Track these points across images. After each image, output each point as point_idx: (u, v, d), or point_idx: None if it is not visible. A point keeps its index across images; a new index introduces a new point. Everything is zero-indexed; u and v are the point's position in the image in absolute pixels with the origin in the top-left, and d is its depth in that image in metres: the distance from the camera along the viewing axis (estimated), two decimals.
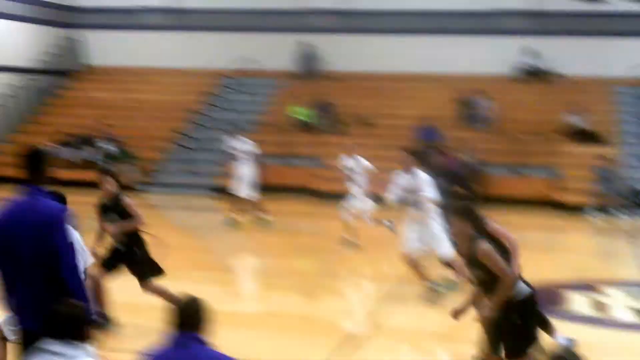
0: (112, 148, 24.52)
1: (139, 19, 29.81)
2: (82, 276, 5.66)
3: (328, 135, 24.68)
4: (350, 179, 16.01)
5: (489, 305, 6.92)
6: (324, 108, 25.88)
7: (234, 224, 18.35)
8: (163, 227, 19.00)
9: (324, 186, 22.47)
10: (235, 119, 25.59)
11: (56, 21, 29.40)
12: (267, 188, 19.81)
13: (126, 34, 29.76)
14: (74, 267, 5.53)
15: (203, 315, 5.28)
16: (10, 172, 24.58)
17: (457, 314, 7.35)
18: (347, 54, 27.78)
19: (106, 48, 29.91)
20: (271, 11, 28.82)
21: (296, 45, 28.00)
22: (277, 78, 27.96)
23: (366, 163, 16.03)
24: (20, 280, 5.47)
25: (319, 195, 22.63)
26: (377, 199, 14.88)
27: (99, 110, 27.16)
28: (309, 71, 28.13)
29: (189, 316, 5.23)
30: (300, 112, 25.87)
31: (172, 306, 5.28)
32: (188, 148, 25.67)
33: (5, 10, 26.71)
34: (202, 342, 5.22)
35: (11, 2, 27.05)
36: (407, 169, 11.85)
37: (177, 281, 13.32)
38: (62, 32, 29.65)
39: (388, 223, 12.80)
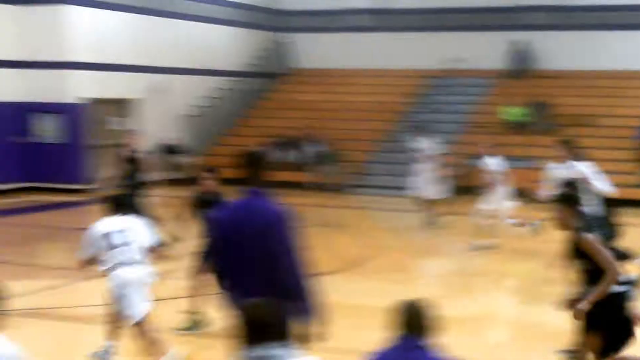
0: (318, 150, 24.31)
1: (345, 20, 29.66)
2: (303, 278, 5.70)
3: (542, 135, 23.54)
4: (492, 179, 15.51)
5: (588, 297, 6.78)
6: (539, 107, 24.78)
7: (435, 225, 17.63)
8: (370, 228, 18.62)
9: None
10: (443, 119, 25.02)
11: (264, 25, 29.69)
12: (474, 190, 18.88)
13: (332, 35, 29.68)
14: (296, 268, 5.62)
15: (427, 319, 5.26)
16: (224, 173, 25.05)
17: (570, 305, 7.01)
18: (562, 51, 26.72)
19: (312, 50, 29.95)
20: (480, 9, 27.96)
21: (509, 43, 27.00)
22: (486, 77, 27.07)
23: (505, 163, 15.69)
24: (244, 278, 5.64)
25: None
26: (526, 197, 14.86)
27: (305, 112, 27.21)
28: (522, 70, 27.08)
29: (413, 319, 5.23)
30: (514, 112, 24.89)
31: (398, 308, 5.30)
32: (394, 150, 25.08)
33: (215, 15, 27.16)
34: (425, 346, 5.20)
35: (221, 7, 27.49)
36: (564, 160, 11.94)
37: (383, 283, 12.95)
38: (270, 35, 29.90)
39: (533, 224, 12.36)
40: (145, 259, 8.52)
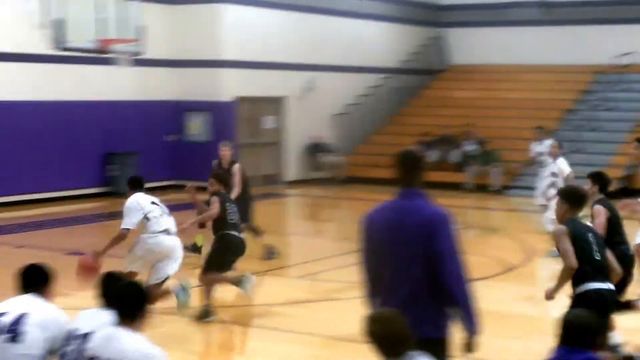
0: (475, 149, 23.63)
1: (505, 14, 28.81)
2: (466, 283, 5.48)
3: None
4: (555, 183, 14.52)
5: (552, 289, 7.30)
6: None
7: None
8: (523, 230, 17.87)
9: None
10: (612, 118, 24.02)
11: (419, 20, 29.17)
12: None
13: (492, 30, 28.91)
14: (457, 272, 5.40)
15: (591, 329, 5.13)
16: (372, 173, 24.86)
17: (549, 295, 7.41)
18: None
19: (468, 46, 29.24)
20: None
21: None
22: None
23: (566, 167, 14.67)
24: (394, 282, 5.47)
25: None
26: None
27: (461, 109, 26.59)
28: None
29: (577, 330, 5.10)
30: None
31: (564, 318, 5.21)
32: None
33: (368, 11, 26.83)
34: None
35: (375, 3, 27.13)
36: None
37: (536, 289, 12.30)
38: (425, 31, 29.37)
39: None
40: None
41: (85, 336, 5.38)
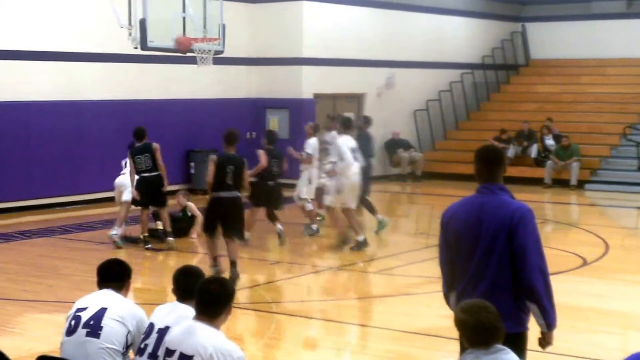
0: (556, 144, 23.39)
1: (588, 8, 28.44)
2: (548, 278, 5.46)
3: None
4: None
5: None
6: None
7: None
8: (602, 225, 17.69)
9: None
10: None
11: (502, 15, 28.94)
12: None
13: (573, 24, 28.52)
14: (540, 267, 5.38)
15: None
16: (452, 168, 24.81)
17: None
18: None
19: (550, 40, 28.92)
20: None
21: None
22: None
23: None
24: (475, 276, 5.45)
25: None
26: None
27: (541, 104, 26.37)
28: None
29: None
30: None
31: None
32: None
33: (449, 6, 26.71)
34: None
35: None
36: None
37: (614, 284, 12.21)
38: (507, 25, 29.14)
39: None
40: None
41: (164, 330, 5.44)
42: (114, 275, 5.98)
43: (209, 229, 12.10)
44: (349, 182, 14.14)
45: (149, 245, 14.05)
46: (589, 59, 28.06)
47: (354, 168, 14.21)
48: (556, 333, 5.54)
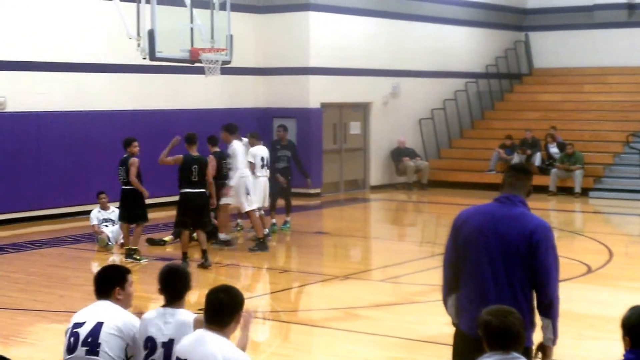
0: (560, 152, 23.53)
1: (590, 17, 28.58)
2: (557, 292, 5.62)
3: None
4: None
5: None
6: None
7: None
8: (606, 233, 17.80)
9: None
10: None
11: (505, 24, 29.10)
12: None
13: (576, 33, 28.68)
14: (557, 284, 5.54)
15: None
16: (457, 177, 24.95)
17: None
18: None
19: (553, 49, 29.09)
20: None
21: None
22: None
23: None
24: (486, 287, 5.44)
25: None
26: None
27: (545, 113, 26.52)
28: None
29: None
30: None
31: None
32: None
33: (454, 16, 26.87)
34: None
35: (460, 8, 27.16)
36: None
37: (617, 291, 12.31)
38: (511, 35, 29.31)
39: None
40: None
41: (168, 343, 5.45)
42: (108, 285, 5.84)
43: (181, 224, 13.58)
44: (252, 186, 15.17)
45: (130, 259, 13.98)
46: (591, 67, 28.21)
47: (260, 174, 15.45)
48: (562, 340, 5.67)
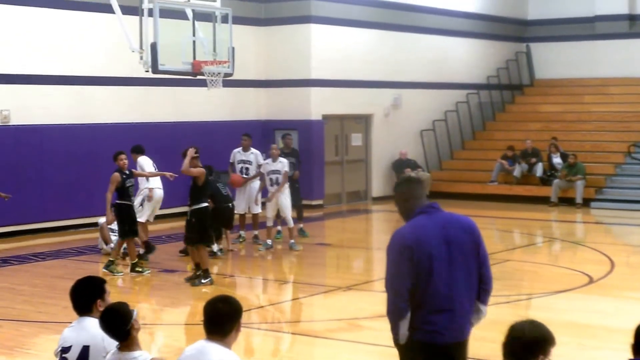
0: (561, 162, 23.59)
1: (591, 28, 28.69)
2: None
3: None
4: None
5: None
6: None
7: None
8: (608, 243, 17.84)
9: None
10: None
11: (506, 35, 29.21)
12: None
13: (577, 44, 28.81)
14: (490, 273, 5.83)
15: None
16: (459, 188, 25.01)
17: None
18: None
19: (554, 60, 29.22)
20: None
21: None
22: None
23: None
24: (457, 291, 5.64)
25: None
26: None
27: (546, 123, 26.62)
28: None
29: None
30: None
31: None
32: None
33: (455, 28, 26.96)
34: None
35: (461, 19, 27.24)
36: None
37: (619, 301, 12.36)
38: (512, 46, 29.42)
39: None
40: None
41: None
42: (82, 299, 5.73)
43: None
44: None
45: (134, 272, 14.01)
46: (592, 78, 28.30)
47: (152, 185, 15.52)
48: (564, 350, 5.70)
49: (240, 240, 16.81)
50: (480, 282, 5.72)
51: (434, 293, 5.56)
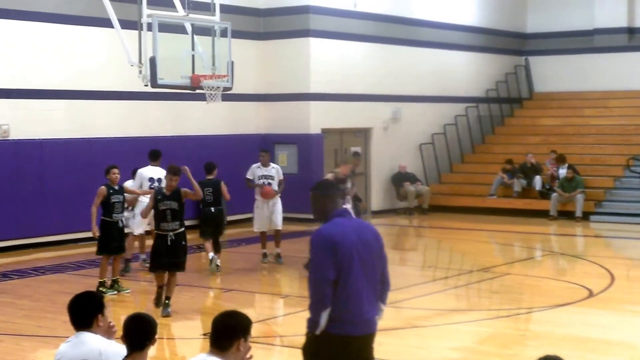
0: (561, 176, 23.58)
1: (590, 41, 28.75)
2: None
3: None
4: None
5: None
6: None
7: None
8: (608, 257, 17.82)
9: None
10: None
11: (505, 49, 29.27)
12: None
13: (576, 57, 28.88)
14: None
15: None
16: (458, 201, 25.01)
17: None
18: None
19: (553, 73, 29.29)
20: None
21: None
22: None
23: None
24: (369, 289, 6.15)
25: None
26: None
27: (545, 137, 26.66)
28: None
29: None
30: None
31: None
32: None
33: (456, 41, 27.02)
34: None
35: (460, 33, 27.29)
36: None
37: (620, 315, 12.35)
38: (511, 59, 29.48)
39: None
40: None
41: None
42: (81, 314, 5.62)
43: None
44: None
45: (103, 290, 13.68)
46: (591, 91, 28.35)
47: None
48: None
49: (265, 261, 16.58)
50: (381, 283, 6.25)
51: (350, 289, 6.02)
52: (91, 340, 5.51)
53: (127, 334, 5.35)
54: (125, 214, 14.51)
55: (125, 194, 14.07)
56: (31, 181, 18.23)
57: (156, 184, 14.90)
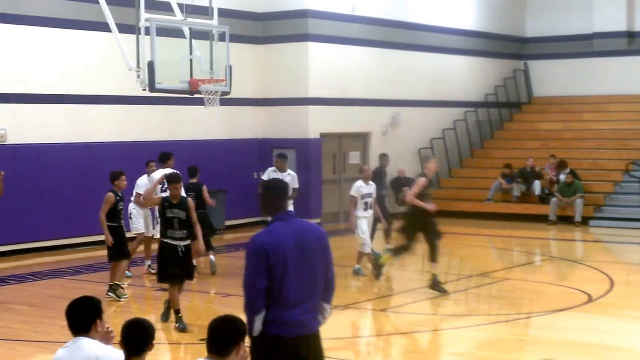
0: (560, 180, 23.56)
1: (590, 45, 28.76)
2: None
3: None
4: None
5: None
6: None
7: None
8: (607, 262, 17.79)
9: None
10: None
11: (504, 53, 29.27)
12: None
13: (575, 62, 28.92)
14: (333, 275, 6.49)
15: None
16: (457, 206, 24.95)
17: None
18: None
19: (552, 77, 29.33)
20: None
21: None
22: None
23: None
24: (309, 290, 6.21)
25: None
26: None
27: (544, 141, 26.64)
28: None
29: None
30: None
31: None
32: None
33: (455, 46, 27.00)
34: None
35: (461, 37, 27.29)
36: None
37: (620, 320, 12.31)
38: (510, 63, 29.48)
39: None
40: None
41: None
42: (79, 319, 5.55)
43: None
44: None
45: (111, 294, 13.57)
46: (591, 95, 28.35)
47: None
48: None
49: None
50: (325, 283, 6.29)
51: (286, 292, 6.10)
52: (88, 345, 5.44)
53: (124, 339, 5.31)
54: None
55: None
56: (28, 186, 18.18)
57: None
